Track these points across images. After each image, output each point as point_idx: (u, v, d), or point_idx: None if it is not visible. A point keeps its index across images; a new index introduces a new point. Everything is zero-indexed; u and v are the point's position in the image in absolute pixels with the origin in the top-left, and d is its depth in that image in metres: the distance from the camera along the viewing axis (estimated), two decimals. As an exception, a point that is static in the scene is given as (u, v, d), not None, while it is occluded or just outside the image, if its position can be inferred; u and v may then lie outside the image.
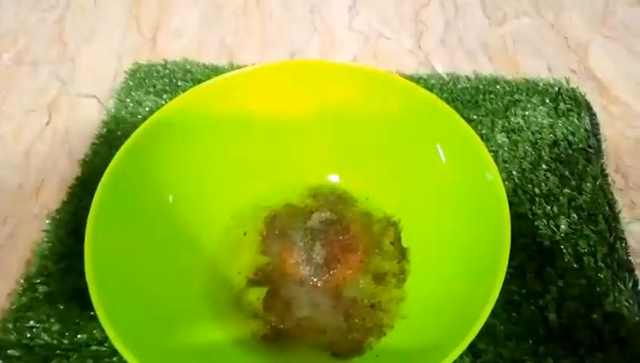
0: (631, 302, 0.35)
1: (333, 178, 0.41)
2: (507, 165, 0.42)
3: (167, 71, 0.51)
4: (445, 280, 0.33)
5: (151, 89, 0.49)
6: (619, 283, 0.35)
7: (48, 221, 0.41)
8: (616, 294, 0.35)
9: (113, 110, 0.48)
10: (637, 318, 0.34)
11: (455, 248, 0.34)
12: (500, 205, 0.30)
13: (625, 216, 0.40)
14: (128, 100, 0.48)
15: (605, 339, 0.33)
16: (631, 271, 0.37)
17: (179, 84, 0.49)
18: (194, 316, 0.33)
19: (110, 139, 0.45)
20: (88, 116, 0.51)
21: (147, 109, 0.47)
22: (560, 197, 0.40)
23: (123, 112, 0.47)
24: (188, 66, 0.51)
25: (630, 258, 0.38)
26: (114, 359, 0.32)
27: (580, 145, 0.43)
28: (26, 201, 0.44)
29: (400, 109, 0.37)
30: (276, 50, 0.56)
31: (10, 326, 0.34)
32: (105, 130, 0.46)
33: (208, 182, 0.38)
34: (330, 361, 0.32)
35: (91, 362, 0.32)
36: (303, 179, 0.40)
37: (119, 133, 0.46)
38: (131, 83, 0.50)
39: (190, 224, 0.37)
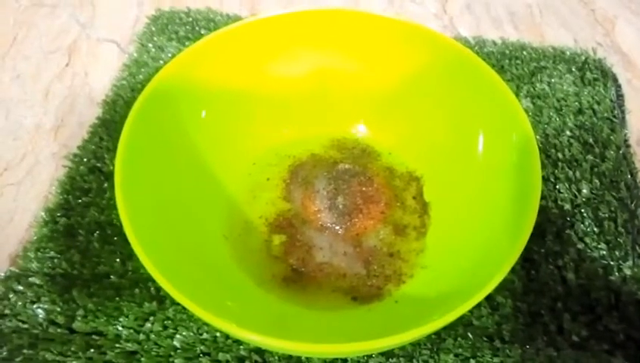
0: (649, 267, 0.35)
1: (358, 131, 0.40)
2: (531, 129, 0.42)
3: (190, 19, 0.50)
4: (467, 235, 0.33)
5: (173, 35, 0.49)
6: (638, 249, 0.36)
7: (69, 159, 0.40)
8: (635, 259, 0.35)
9: (135, 54, 0.47)
10: (654, 283, 0.34)
11: (479, 204, 0.34)
12: (531, 166, 0.30)
13: (645, 186, 0.40)
14: (150, 45, 0.48)
15: (622, 299, 0.33)
16: (650, 238, 0.37)
17: (202, 32, 0.49)
18: (216, 254, 0.33)
19: (131, 82, 0.45)
20: (108, 61, 0.50)
21: (169, 55, 0.47)
22: (583, 163, 0.40)
23: (145, 56, 0.47)
24: (211, 15, 0.50)
25: (649, 226, 0.38)
26: (135, 291, 0.32)
27: (605, 114, 0.43)
28: (44, 140, 0.44)
29: (433, 64, 0.37)
30: (299, 3, 0.55)
31: (31, 255, 0.34)
32: (127, 73, 0.46)
33: (233, 127, 0.38)
34: (351, 305, 0.32)
35: (111, 292, 0.32)
36: (328, 131, 0.40)
37: (140, 77, 0.45)
38: (153, 29, 0.49)
39: (214, 167, 0.36)
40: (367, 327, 0.31)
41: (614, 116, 0.43)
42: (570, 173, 0.39)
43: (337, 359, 0.31)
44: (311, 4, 0.56)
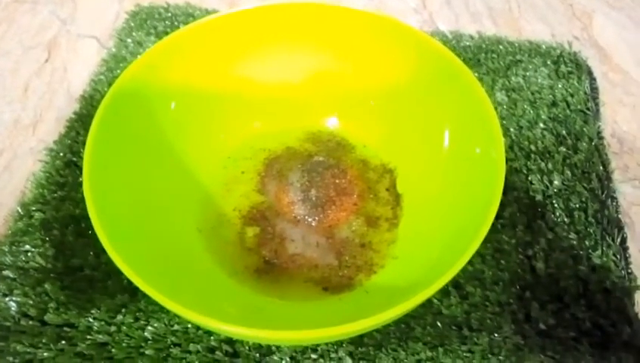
0: (618, 256, 0.35)
1: (332, 124, 0.41)
2: (504, 122, 0.42)
3: (169, 14, 0.50)
4: (436, 225, 0.33)
5: (152, 31, 0.49)
6: (607, 239, 0.36)
7: (45, 153, 0.40)
8: (604, 248, 0.35)
9: (113, 49, 0.47)
10: (622, 272, 0.35)
11: (448, 195, 0.34)
12: (497, 160, 0.30)
13: (618, 178, 0.41)
14: (129, 40, 0.48)
15: (590, 288, 0.34)
16: (620, 228, 0.37)
17: (181, 27, 0.49)
18: (189, 246, 0.33)
19: (109, 77, 0.45)
20: (88, 56, 0.50)
21: (147, 49, 0.47)
22: (556, 155, 0.40)
23: (124, 51, 0.47)
24: (190, 10, 0.50)
25: (620, 216, 0.38)
26: (108, 283, 0.33)
27: (579, 107, 0.43)
28: (22, 135, 0.44)
29: (405, 59, 0.37)
30: None
31: (5, 249, 0.34)
32: (105, 68, 0.46)
33: (207, 121, 0.38)
34: (322, 295, 0.32)
35: (84, 285, 0.32)
36: (303, 124, 0.40)
37: (118, 72, 0.45)
38: (132, 24, 0.49)
39: (187, 161, 0.37)
40: (337, 316, 0.31)
41: (588, 109, 0.43)
42: (543, 165, 0.39)
43: (307, 348, 0.31)
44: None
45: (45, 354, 0.30)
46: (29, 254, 0.34)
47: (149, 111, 0.35)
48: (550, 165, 0.39)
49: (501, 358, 0.30)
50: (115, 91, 0.32)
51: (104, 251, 0.34)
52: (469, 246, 0.27)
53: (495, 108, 0.43)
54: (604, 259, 0.35)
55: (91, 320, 0.31)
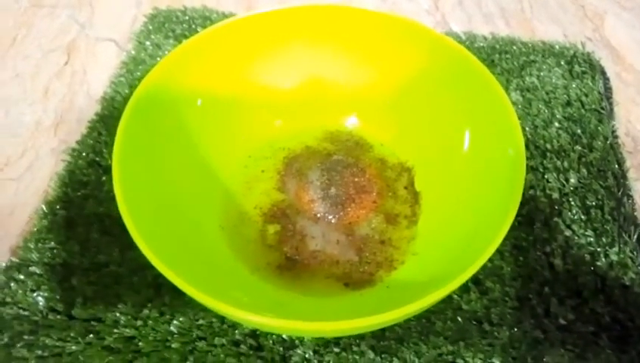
0: (635, 253, 0.36)
1: (351, 123, 0.41)
2: (520, 121, 0.42)
3: (186, 17, 0.51)
4: (456, 222, 0.34)
5: (170, 34, 0.50)
6: (624, 236, 0.36)
7: (68, 153, 0.41)
8: (621, 245, 0.36)
9: (132, 52, 0.48)
10: (639, 268, 0.35)
11: (466, 193, 0.34)
12: (517, 160, 0.30)
13: (633, 176, 0.41)
14: (147, 42, 0.49)
15: (608, 284, 0.34)
16: (636, 225, 0.38)
17: (198, 30, 0.50)
18: (212, 244, 0.34)
19: (129, 79, 0.46)
20: (107, 59, 0.51)
21: (166, 52, 0.48)
22: (571, 153, 0.40)
23: (142, 54, 0.48)
24: (207, 14, 0.51)
25: (636, 213, 0.39)
26: (134, 279, 0.33)
27: (593, 106, 0.44)
28: (44, 136, 0.45)
29: (424, 59, 0.38)
30: (293, 1, 0.56)
31: (31, 246, 0.35)
32: (124, 70, 0.47)
33: (228, 121, 0.39)
34: (343, 291, 0.33)
35: (110, 280, 0.33)
36: (321, 123, 0.41)
37: (138, 74, 0.46)
38: (150, 27, 0.50)
39: (210, 160, 0.37)
40: (359, 311, 0.31)
41: (602, 108, 0.44)
42: (559, 163, 0.40)
43: (329, 342, 0.31)
44: (304, 1, 0.57)
45: (74, 347, 0.30)
46: (54, 251, 0.35)
47: (172, 113, 0.35)
48: (566, 164, 0.40)
49: (521, 351, 0.31)
50: (140, 92, 0.33)
51: (128, 248, 0.35)
52: (490, 244, 0.27)
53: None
54: (621, 255, 0.35)
55: (117, 314, 0.32)
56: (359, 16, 0.38)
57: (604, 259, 0.35)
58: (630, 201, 0.39)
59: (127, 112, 0.32)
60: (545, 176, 0.39)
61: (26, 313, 0.32)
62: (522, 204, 0.37)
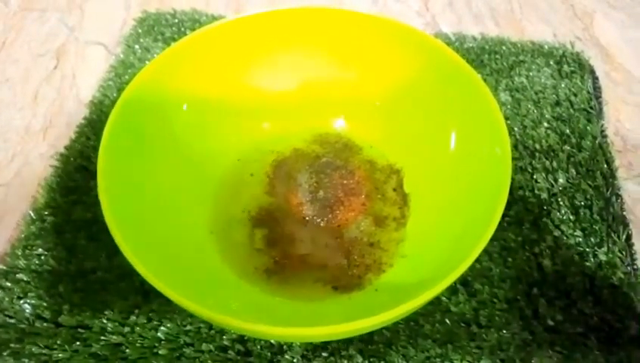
0: (624, 253, 0.36)
1: (339, 125, 0.41)
2: (509, 122, 0.43)
3: (176, 20, 0.51)
4: (444, 224, 0.34)
5: (159, 37, 0.49)
6: (613, 236, 0.36)
7: (56, 158, 0.41)
8: (610, 245, 0.36)
9: (121, 56, 0.48)
10: (628, 268, 0.35)
11: (454, 194, 0.34)
12: (503, 162, 0.30)
13: (622, 175, 0.41)
14: (136, 46, 0.49)
15: (597, 285, 0.34)
16: (625, 225, 0.38)
17: (188, 33, 0.50)
18: (200, 248, 0.34)
19: (117, 83, 0.46)
20: (96, 63, 0.51)
21: (155, 55, 0.48)
22: (560, 153, 0.40)
23: (132, 57, 0.48)
24: (197, 16, 0.51)
25: (624, 213, 0.39)
26: (121, 285, 0.33)
27: (582, 106, 0.44)
28: (33, 141, 0.45)
29: (411, 61, 0.38)
30: (283, 4, 0.56)
31: (18, 252, 0.35)
32: (113, 74, 0.47)
33: (215, 124, 0.39)
34: (332, 295, 0.33)
35: (97, 287, 0.33)
36: (310, 126, 0.41)
37: (126, 77, 0.46)
38: (139, 30, 0.50)
39: (197, 164, 0.37)
40: (348, 315, 0.31)
41: (591, 108, 0.44)
42: (547, 163, 0.40)
43: (318, 347, 0.31)
44: (294, 3, 0.56)
45: (60, 355, 0.30)
46: (42, 257, 0.35)
47: (160, 116, 0.35)
48: (555, 164, 0.40)
49: (510, 353, 0.31)
50: (127, 96, 0.33)
51: (116, 253, 0.34)
52: (476, 245, 0.27)
53: (500, 108, 0.44)
54: (610, 255, 0.35)
55: (104, 321, 0.32)
56: (346, 18, 0.38)
57: (592, 259, 0.35)
58: (619, 201, 0.39)
59: (113, 116, 0.32)
60: (534, 176, 0.39)
61: (12, 321, 0.32)
62: (511, 205, 0.38)
